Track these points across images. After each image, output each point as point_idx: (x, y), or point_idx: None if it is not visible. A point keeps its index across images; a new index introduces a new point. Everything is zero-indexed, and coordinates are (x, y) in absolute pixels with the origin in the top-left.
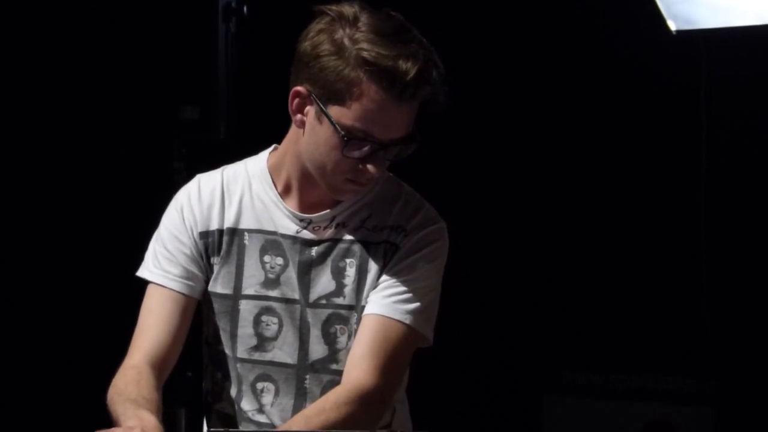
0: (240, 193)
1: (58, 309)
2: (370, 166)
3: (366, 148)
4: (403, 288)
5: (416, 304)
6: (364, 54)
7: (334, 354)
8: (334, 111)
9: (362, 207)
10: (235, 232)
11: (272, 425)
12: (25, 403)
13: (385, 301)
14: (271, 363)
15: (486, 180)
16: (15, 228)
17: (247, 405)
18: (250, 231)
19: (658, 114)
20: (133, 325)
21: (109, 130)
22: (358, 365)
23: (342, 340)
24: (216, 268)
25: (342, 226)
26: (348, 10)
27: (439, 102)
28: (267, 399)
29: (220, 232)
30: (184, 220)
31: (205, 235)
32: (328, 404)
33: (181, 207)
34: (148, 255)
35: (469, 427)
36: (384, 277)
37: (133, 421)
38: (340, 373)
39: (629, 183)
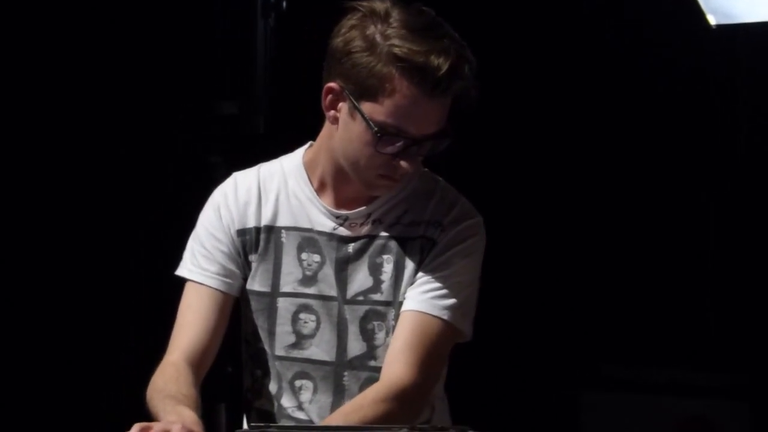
0: (276, 190)
1: (99, 307)
2: (403, 162)
3: (399, 144)
4: (440, 284)
5: (453, 300)
6: (396, 50)
7: (371, 350)
8: (367, 107)
9: (398, 203)
10: (272, 230)
11: (311, 422)
12: (65, 402)
13: (423, 297)
14: (309, 360)
15: (521, 175)
16: (54, 228)
17: (286, 402)
18: (287, 228)
19: (696, 108)
20: (171, 323)
21: (147, 126)
22: (396, 362)
23: (380, 336)
24: (254, 265)
25: (378, 223)
26: (379, 5)
27: (471, 97)
28: (305, 396)
29: (257, 229)
30: (221, 218)
31: (242, 232)
32: (366, 401)
33: (218, 205)
34: (186, 254)
35: (507, 423)
36: (421, 272)
37: (173, 417)
38: (377, 369)
39: (667, 177)
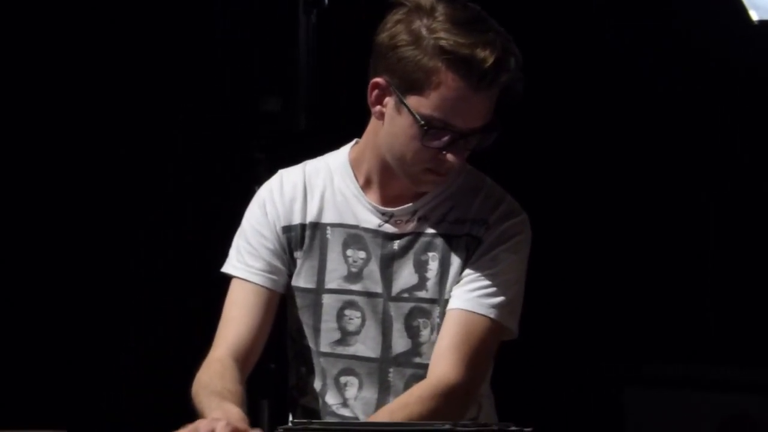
0: (322, 187)
1: (142, 304)
2: (450, 156)
3: (446, 138)
4: (487, 282)
5: (500, 298)
6: (442, 42)
7: (416, 347)
8: (413, 101)
9: (444, 200)
10: (317, 227)
11: (356, 419)
12: (113, 400)
13: (469, 296)
14: (354, 357)
15: (571, 174)
16: (98, 225)
17: (331, 399)
18: (333, 225)
19: (739, 104)
20: (217, 321)
21: (192, 123)
22: (443, 360)
23: (425, 333)
24: (299, 262)
25: (424, 220)
26: (425, 0)
27: (518, 90)
28: (350, 393)
29: (303, 226)
30: (266, 214)
31: (287, 229)
32: (412, 398)
33: (264, 202)
34: (232, 251)
35: (551, 420)
36: (467, 270)
37: (218, 413)
38: (423, 366)
39: (711, 171)
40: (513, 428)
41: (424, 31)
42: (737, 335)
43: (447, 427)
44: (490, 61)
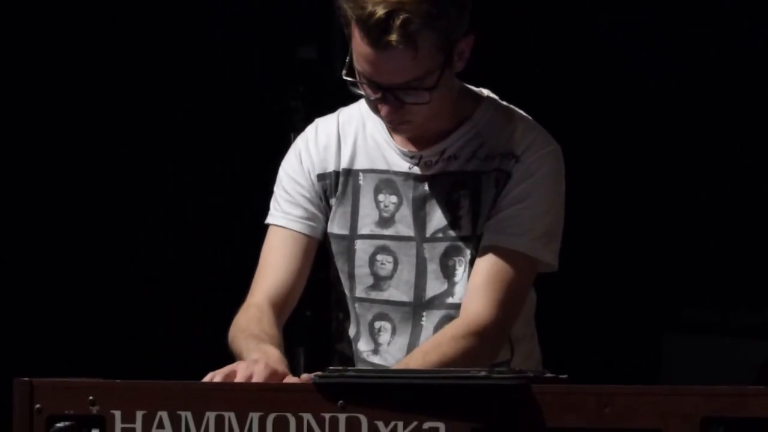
0: (354, 134)
1: (181, 250)
2: (381, 107)
3: (368, 90)
4: (517, 215)
5: (531, 231)
6: (344, 2)
7: (451, 287)
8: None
9: (473, 137)
10: (350, 173)
11: (386, 367)
12: (148, 346)
13: (499, 231)
14: (388, 302)
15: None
16: (154, 171)
17: (363, 345)
18: (365, 171)
19: (732, 97)
20: (254, 268)
21: (230, 74)
22: (475, 298)
23: (459, 271)
24: (333, 209)
25: (453, 159)
26: None
27: (446, 28)
28: (384, 338)
29: (337, 173)
30: (302, 162)
31: (322, 177)
32: (444, 338)
33: (299, 151)
34: (272, 202)
35: (589, 366)
36: (498, 206)
37: (257, 355)
38: (455, 306)
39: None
40: (548, 375)
41: None
42: None
43: (483, 373)
44: (378, 15)
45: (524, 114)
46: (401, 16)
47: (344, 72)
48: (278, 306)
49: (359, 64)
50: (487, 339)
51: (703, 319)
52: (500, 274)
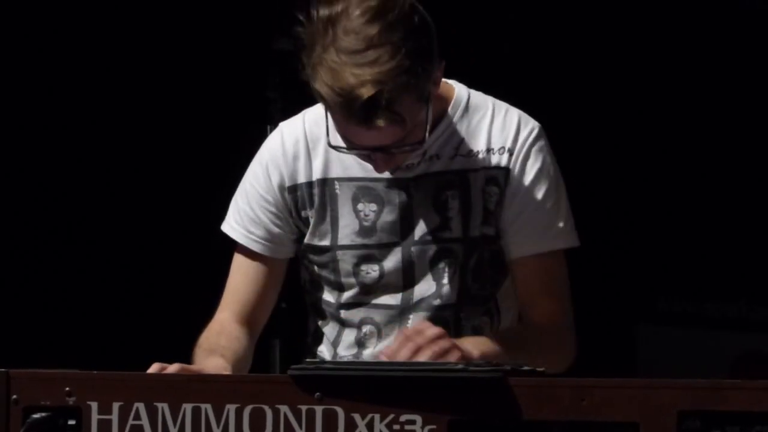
0: (324, 138)
1: (154, 244)
2: (376, 162)
3: (357, 150)
4: (541, 215)
5: (560, 224)
6: (319, 87)
7: (439, 289)
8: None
9: (452, 134)
10: (325, 183)
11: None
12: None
13: (531, 235)
14: (375, 305)
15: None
16: (115, 169)
17: (344, 350)
18: (340, 180)
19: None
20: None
21: (204, 63)
22: (538, 308)
23: (449, 273)
24: (311, 220)
25: (436, 158)
26: (333, 11)
27: (416, 89)
28: (370, 343)
29: (309, 184)
30: (269, 177)
31: (293, 189)
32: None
33: (266, 164)
34: (232, 208)
35: None
36: (511, 206)
37: (196, 368)
38: (441, 308)
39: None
40: (526, 368)
41: (315, 60)
42: (751, 272)
43: (460, 366)
44: (363, 101)
45: (494, 99)
46: (385, 97)
47: (329, 140)
48: (247, 321)
49: (343, 136)
50: (564, 336)
51: (678, 310)
52: (552, 278)
